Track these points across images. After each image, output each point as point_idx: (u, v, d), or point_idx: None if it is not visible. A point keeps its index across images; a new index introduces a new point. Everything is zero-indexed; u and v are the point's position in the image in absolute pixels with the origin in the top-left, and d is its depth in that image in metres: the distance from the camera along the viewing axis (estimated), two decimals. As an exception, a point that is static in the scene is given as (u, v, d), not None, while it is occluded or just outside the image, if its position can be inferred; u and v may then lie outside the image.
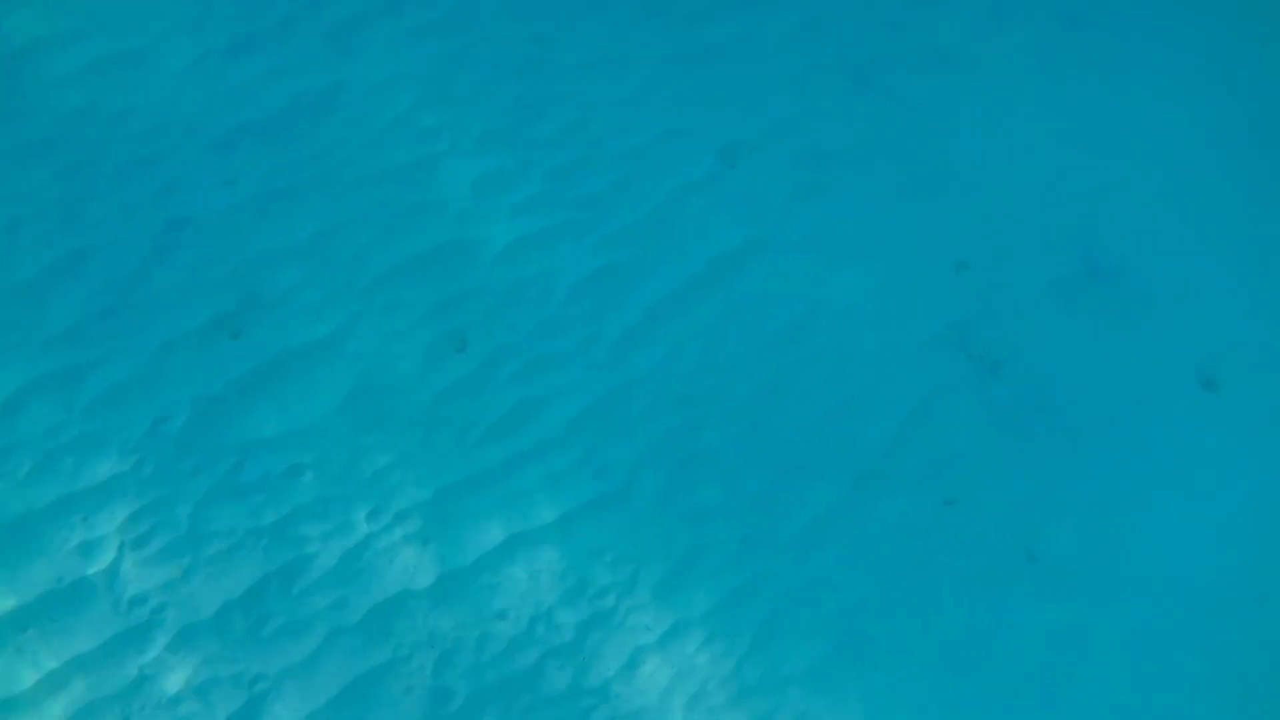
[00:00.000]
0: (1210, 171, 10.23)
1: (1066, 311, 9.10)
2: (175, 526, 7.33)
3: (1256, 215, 10.06)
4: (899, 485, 8.18)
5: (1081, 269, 9.35)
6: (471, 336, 8.18)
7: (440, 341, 8.16)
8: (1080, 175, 9.80)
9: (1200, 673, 7.94)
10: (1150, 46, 11.13)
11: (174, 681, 6.98)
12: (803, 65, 10.07)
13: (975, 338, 8.84)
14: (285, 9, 9.62)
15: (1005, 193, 9.61)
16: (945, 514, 8.12)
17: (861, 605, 7.80)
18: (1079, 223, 9.60)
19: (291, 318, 8.14)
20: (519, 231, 8.67)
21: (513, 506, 7.71)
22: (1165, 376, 9.00)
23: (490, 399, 7.99)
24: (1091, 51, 10.82)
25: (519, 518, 7.70)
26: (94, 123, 8.87)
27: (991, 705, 7.66)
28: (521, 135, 9.17)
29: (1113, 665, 7.89)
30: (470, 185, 8.84)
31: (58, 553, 7.23)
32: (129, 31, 9.34)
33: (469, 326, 8.23)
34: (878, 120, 9.86)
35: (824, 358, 8.53)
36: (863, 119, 9.82)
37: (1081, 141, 10.07)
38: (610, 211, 8.88)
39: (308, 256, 8.40)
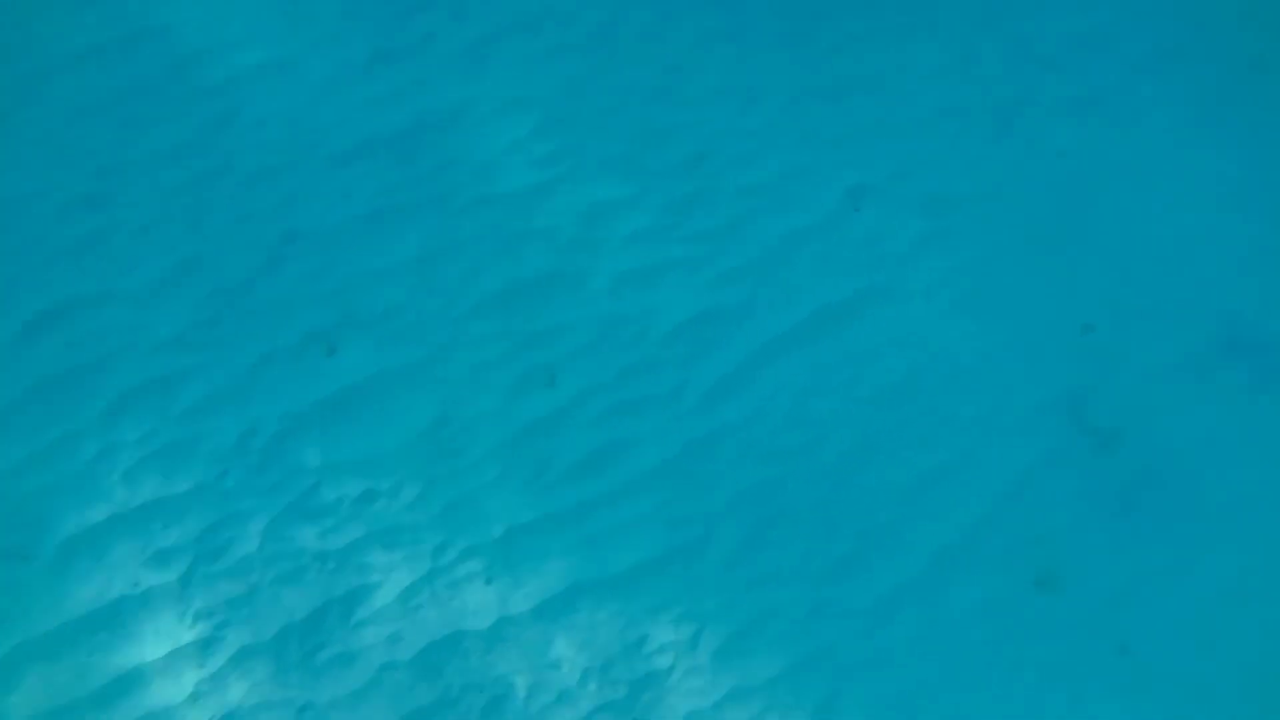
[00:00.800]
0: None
1: (1198, 385, 8.23)
2: (247, 542, 7.34)
3: None
4: (987, 562, 7.55)
5: (1221, 342, 8.40)
6: (561, 372, 7.94)
7: (529, 375, 7.95)
8: (1231, 240, 8.83)
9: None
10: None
11: (226, 701, 7.00)
12: (943, 104, 9.42)
13: (1092, 408, 8.07)
14: (428, 23, 9.61)
15: (1145, 253, 8.74)
16: (1033, 596, 7.41)
17: (929, 687, 7.17)
18: (1223, 292, 8.64)
19: (386, 338, 8.09)
20: (626, 265, 8.38)
21: (581, 552, 7.44)
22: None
23: (571, 439, 7.73)
24: (1270, 102, 9.74)
25: (586, 564, 7.43)
26: (232, 131, 9.03)
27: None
28: (641, 164, 8.87)
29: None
30: (582, 214, 8.59)
31: (136, 559, 7.35)
32: (278, 42, 9.49)
33: (561, 361, 7.99)
34: (1014, 167, 9.12)
35: (924, 418, 7.95)
36: (999, 165, 9.11)
37: (1237, 203, 9.06)
38: (722, 249, 8.49)
39: (410, 277, 8.32)
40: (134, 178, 8.64)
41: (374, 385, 7.88)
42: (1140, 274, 8.73)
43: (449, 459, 7.65)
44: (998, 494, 7.84)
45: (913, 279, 8.53)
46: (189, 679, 7.01)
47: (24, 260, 8.24)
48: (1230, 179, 9.26)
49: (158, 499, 7.49)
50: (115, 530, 7.38)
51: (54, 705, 6.86)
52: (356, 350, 7.99)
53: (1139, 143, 9.43)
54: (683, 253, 8.43)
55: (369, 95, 9.18)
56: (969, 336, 8.27)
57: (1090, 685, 7.27)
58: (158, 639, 7.11)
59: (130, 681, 7.00)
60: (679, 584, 7.40)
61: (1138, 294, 8.63)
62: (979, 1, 10.26)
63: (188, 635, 7.12)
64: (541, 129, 9.03)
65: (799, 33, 9.72)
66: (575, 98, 9.21)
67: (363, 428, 7.72)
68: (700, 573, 7.43)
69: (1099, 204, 9.04)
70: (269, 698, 7.00)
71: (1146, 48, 9.98)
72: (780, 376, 8.02)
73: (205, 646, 7.10)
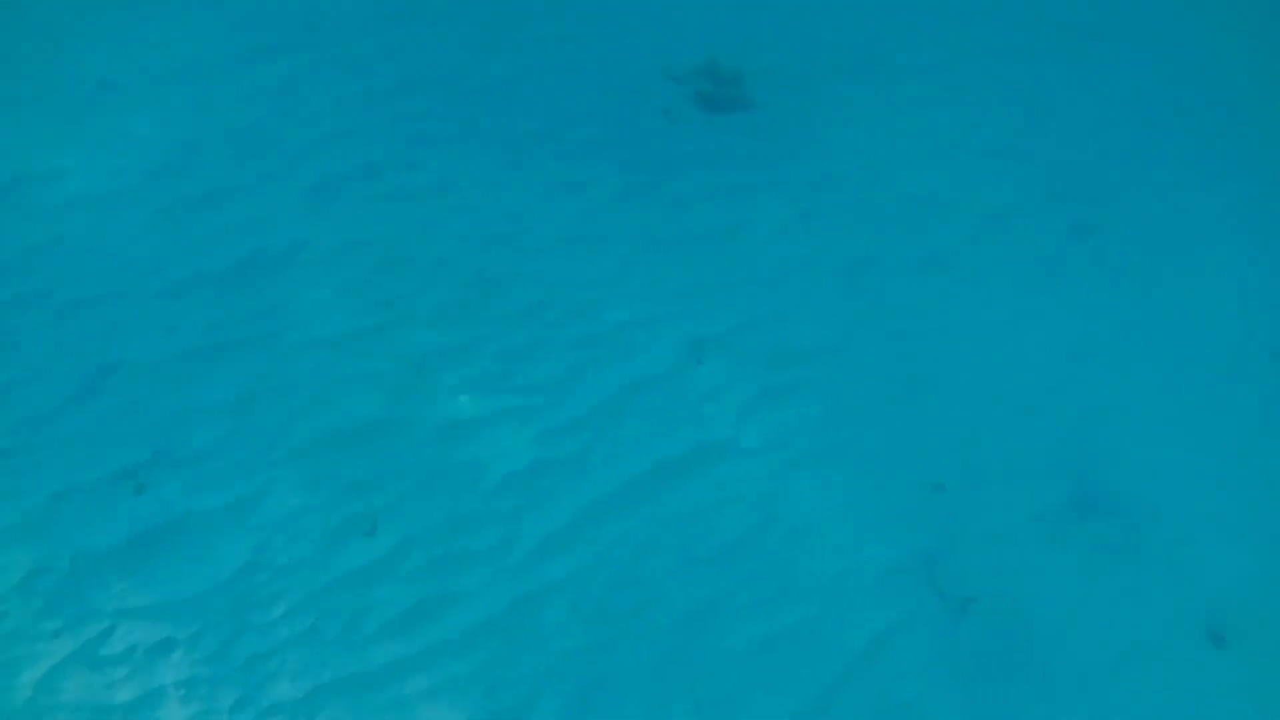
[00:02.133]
0: (1224, 399, 9.54)
1: (1053, 546, 8.40)
2: (16, 694, 6.75)
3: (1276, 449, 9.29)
4: (832, 734, 7.34)
5: (1073, 498, 8.62)
6: (384, 521, 7.65)
7: (349, 523, 7.65)
8: (1076, 394, 9.17)
9: None
10: (1168, 261, 10.60)
11: None
12: (790, 259, 9.67)
13: (946, 570, 8.10)
14: (268, 164, 9.49)
15: (992, 409, 8.99)
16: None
17: None
18: (1072, 446, 8.93)
19: (200, 479, 7.71)
20: (455, 414, 8.22)
21: (391, 717, 7.01)
22: (1165, 628, 8.16)
23: (389, 592, 7.42)
24: (1100, 263, 10.29)
25: (394, 732, 7.01)
26: (56, 257, 8.71)
27: None
28: (477, 312, 8.81)
29: None
30: (412, 360, 8.45)
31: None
32: (114, 171, 9.27)
33: (383, 510, 7.71)
34: (861, 323, 9.35)
35: (766, 580, 7.85)
36: (845, 320, 9.33)
37: (1081, 357, 9.48)
38: (557, 401, 8.40)
39: (230, 416, 8.01)
40: (-56, 297, 8.23)
41: (182, 527, 7.47)
42: (989, 431, 8.94)
43: (256, 609, 7.24)
44: (847, 661, 7.68)
45: (754, 434, 8.56)
46: None
47: None
48: (1072, 333, 9.66)
49: (-76, 645, 6.86)
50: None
51: None
52: (167, 489, 7.60)
53: (982, 300, 9.81)
54: (515, 403, 8.32)
55: (203, 231, 8.99)
56: (813, 495, 8.30)
57: None
58: (-86, 800, 6.42)
59: None
60: (492, 754, 7.04)
61: (987, 452, 8.81)
62: (820, 162, 10.65)
63: (-52, 799, 6.45)
64: (376, 273, 8.93)
65: (644, 185, 9.92)
66: (413, 243, 9.16)
67: (165, 571, 7.29)
68: (517, 743, 7.09)
69: (946, 360, 9.28)
70: None
71: (980, 211, 10.47)
72: (613, 533, 7.87)
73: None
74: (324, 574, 7.46)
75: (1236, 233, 11.53)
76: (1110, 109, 13.17)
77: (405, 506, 7.80)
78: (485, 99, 10.84)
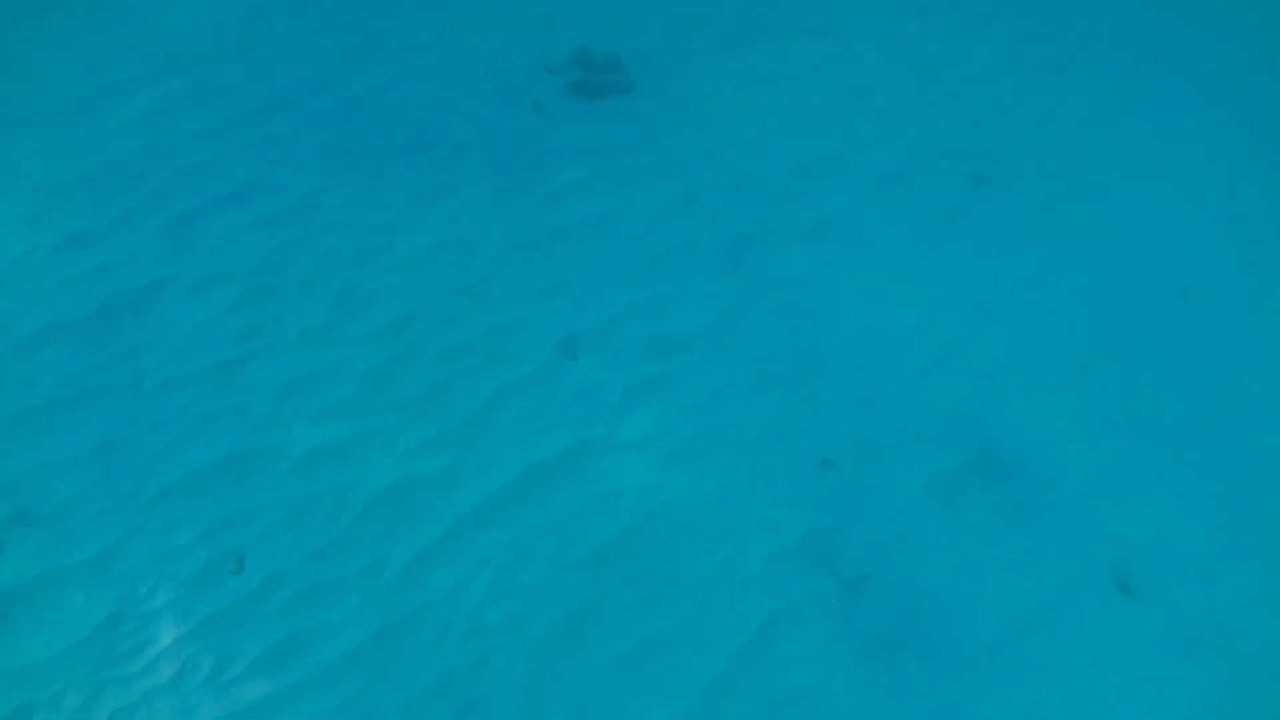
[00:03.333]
0: (1131, 344, 9.26)
1: (949, 514, 8.08)
2: None
3: (1186, 399, 9.01)
4: (722, 734, 7.10)
5: (971, 463, 8.32)
6: (250, 557, 7.45)
7: (215, 562, 7.46)
8: (975, 354, 8.89)
9: None
10: (1069, 208, 10.31)
11: None
12: (669, 243, 9.41)
13: (837, 550, 7.83)
14: (128, 203, 9.30)
15: (885, 378, 8.71)
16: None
17: None
18: (971, 409, 8.64)
19: (60, 534, 7.53)
20: (319, 440, 8.01)
21: (261, 757, 6.83)
22: (1072, 587, 7.87)
23: (256, 630, 7.22)
24: (998, 216, 9.99)
25: (264, 774, 6.82)
26: (-90, 323, 8.51)
27: None
28: (342, 332, 8.59)
29: None
30: (276, 390, 8.24)
31: None
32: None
33: (250, 545, 7.51)
34: (744, 302, 9.08)
35: (647, 578, 7.60)
36: (727, 301, 9.07)
37: (980, 315, 9.16)
38: (423, 416, 8.19)
39: (92, 466, 7.82)
40: None
41: (41, 585, 7.29)
42: (882, 401, 8.66)
43: (120, 662, 7.06)
44: (734, 655, 7.39)
45: (630, 430, 8.32)
46: None
47: None
48: (970, 291, 9.37)
49: None
50: None
51: None
52: (25, 547, 7.42)
53: (874, 265, 9.53)
54: (381, 423, 8.11)
55: (60, 278, 8.80)
56: (693, 487, 8.04)
57: None
58: None
59: None
60: (364, 787, 6.84)
61: (880, 423, 8.54)
62: (703, 140, 10.40)
63: None
64: (240, 303, 8.73)
65: (514, 184, 9.69)
66: (277, 269, 8.95)
67: (23, 633, 7.11)
68: (391, 773, 6.89)
69: (835, 331, 9.00)
70: None
71: (871, 174, 10.19)
72: (483, 547, 7.66)
73: None
74: (190, 618, 7.28)
75: (1138, 173, 11.22)
76: (1000, 57, 12.85)
77: (271, 540, 7.61)
78: (353, 112, 10.63)
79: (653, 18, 12.52)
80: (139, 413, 8.10)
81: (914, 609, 7.67)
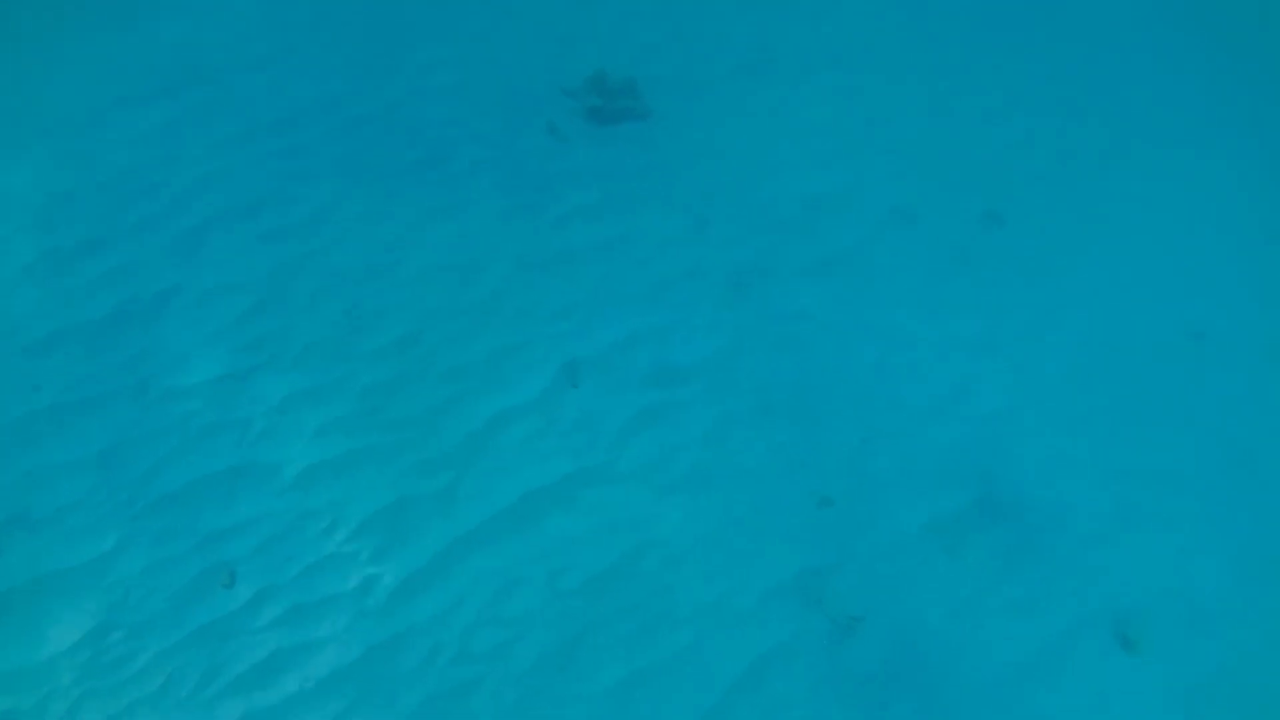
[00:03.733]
0: (1140, 387, 9.17)
1: (949, 557, 8.01)
2: None
3: (1196, 445, 8.92)
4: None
5: (974, 505, 8.24)
6: (243, 571, 7.47)
7: (207, 574, 7.48)
8: (982, 394, 8.83)
9: None
10: (1082, 248, 10.24)
11: None
12: (675, 271, 9.39)
13: (831, 589, 7.77)
14: (142, 212, 9.36)
15: (887, 416, 8.65)
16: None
17: None
18: (976, 450, 8.57)
19: (55, 539, 7.57)
20: (317, 456, 8.02)
21: (243, 774, 6.82)
22: (1073, 634, 7.79)
23: (244, 645, 7.23)
24: (1009, 255, 9.92)
25: (243, 792, 6.81)
26: (-81, 316, 8.58)
27: None
28: (346, 348, 8.61)
29: None
30: (277, 404, 8.26)
31: None
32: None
33: (242, 559, 7.52)
34: (749, 332, 9.05)
35: (640, 610, 7.57)
36: (730, 332, 9.04)
37: (988, 354, 9.10)
38: (422, 436, 8.19)
39: (92, 472, 7.86)
40: None
41: (32, 590, 7.32)
42: (883, 439, 8.61)
43: (107, 671, 7.08)
44: (722, 692, 7.33)
45: (628, 459, 8.29)
46: None
47: None
48: (978, 330, 9.31)
49: None
50: None
51: None
52: (20, 551, 7.45)
53: (881, 300, 9.48)
54: (379, 441, 8.12)
55: (72, 284, 8.85)
56: (689, 519, 8.00)
57: None
58: None
59: None
60: (346, 808, 6.83)
61: (880, 461, 8.48)
62: (715, 169, 10.39)
63: None
64: (247, 315, 8.76)
65: (524, 206, 9.71)
66: (286, 282, 8.98)
67: (11, 637, 7.12)
68: (371, 797, 6.87)
69: (839, 366, 8.95)
70: None
71: (882, 208, 10.15)
72: (476, 571, 7.65)
73: None
74: (178, 630, 7.29)
75: (1151, 216, 11.16)
76: (1016, 94, 12.82)
77: (264, 554, 7.61)
78: (368, 128, 10.68)
79: (670, 44, 12.55)
80: (141, 421, 8.13)
81: (909, 651, 7.61)
